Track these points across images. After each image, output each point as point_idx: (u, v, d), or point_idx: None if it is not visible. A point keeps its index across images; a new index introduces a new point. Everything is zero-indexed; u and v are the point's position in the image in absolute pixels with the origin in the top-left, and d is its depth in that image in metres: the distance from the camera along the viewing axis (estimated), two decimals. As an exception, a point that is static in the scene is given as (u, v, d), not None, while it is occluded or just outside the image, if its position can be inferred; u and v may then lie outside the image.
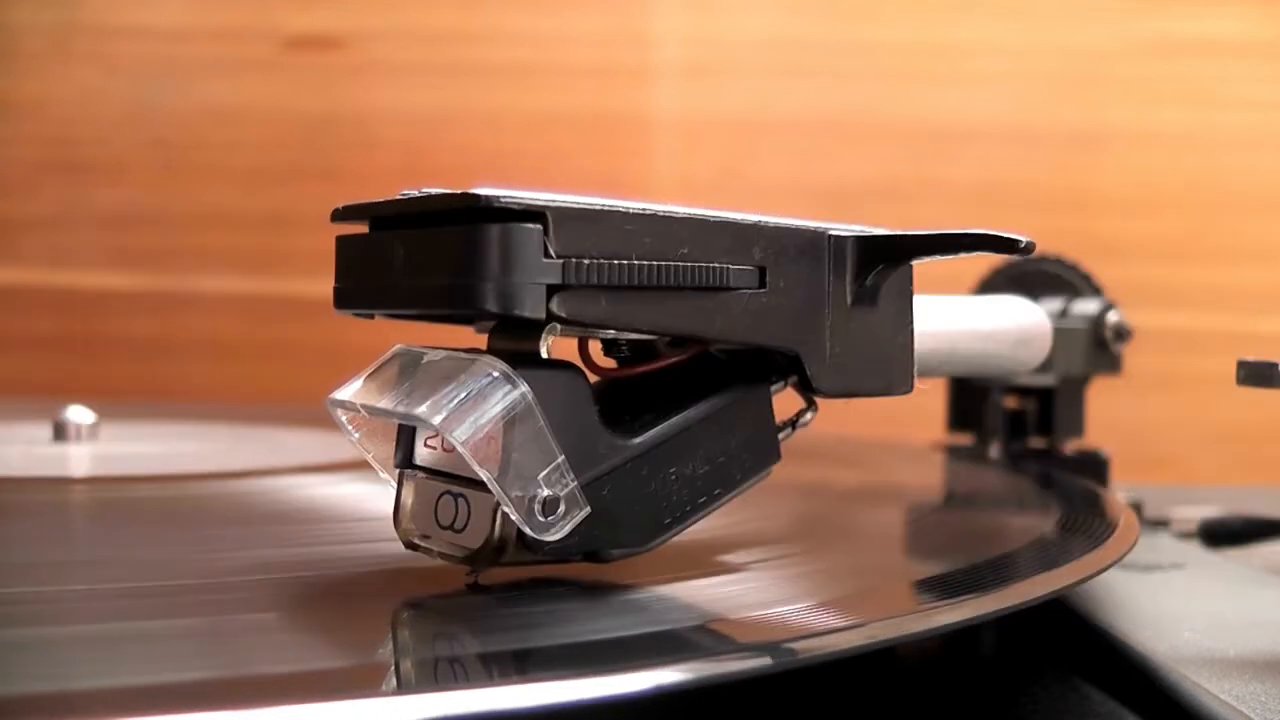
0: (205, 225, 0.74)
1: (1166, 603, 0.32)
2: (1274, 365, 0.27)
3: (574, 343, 0.25)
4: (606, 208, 0.23)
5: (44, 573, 0.26)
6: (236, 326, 0.74)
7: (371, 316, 0.25)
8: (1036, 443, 0.48)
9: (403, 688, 0.19)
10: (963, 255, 0.25)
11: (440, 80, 0.74)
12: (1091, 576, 0.27)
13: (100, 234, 0.74)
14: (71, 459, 0.43)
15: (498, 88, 0.74)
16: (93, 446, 0.45)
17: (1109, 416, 0.50)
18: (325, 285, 0.25)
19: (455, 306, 0.22)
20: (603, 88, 0.73)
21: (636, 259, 0.23)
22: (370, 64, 0.74)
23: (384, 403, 0.23)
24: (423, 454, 0.25)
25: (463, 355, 0.23)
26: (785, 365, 0.26)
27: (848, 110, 0.73)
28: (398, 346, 0.25)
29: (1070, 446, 0.48)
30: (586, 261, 0.22)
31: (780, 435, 0.26)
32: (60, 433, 0.45)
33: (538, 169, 0.72)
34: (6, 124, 0.75)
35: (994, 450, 0.49)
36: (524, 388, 0.22)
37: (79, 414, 0.45)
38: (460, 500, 0.23)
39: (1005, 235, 0.25)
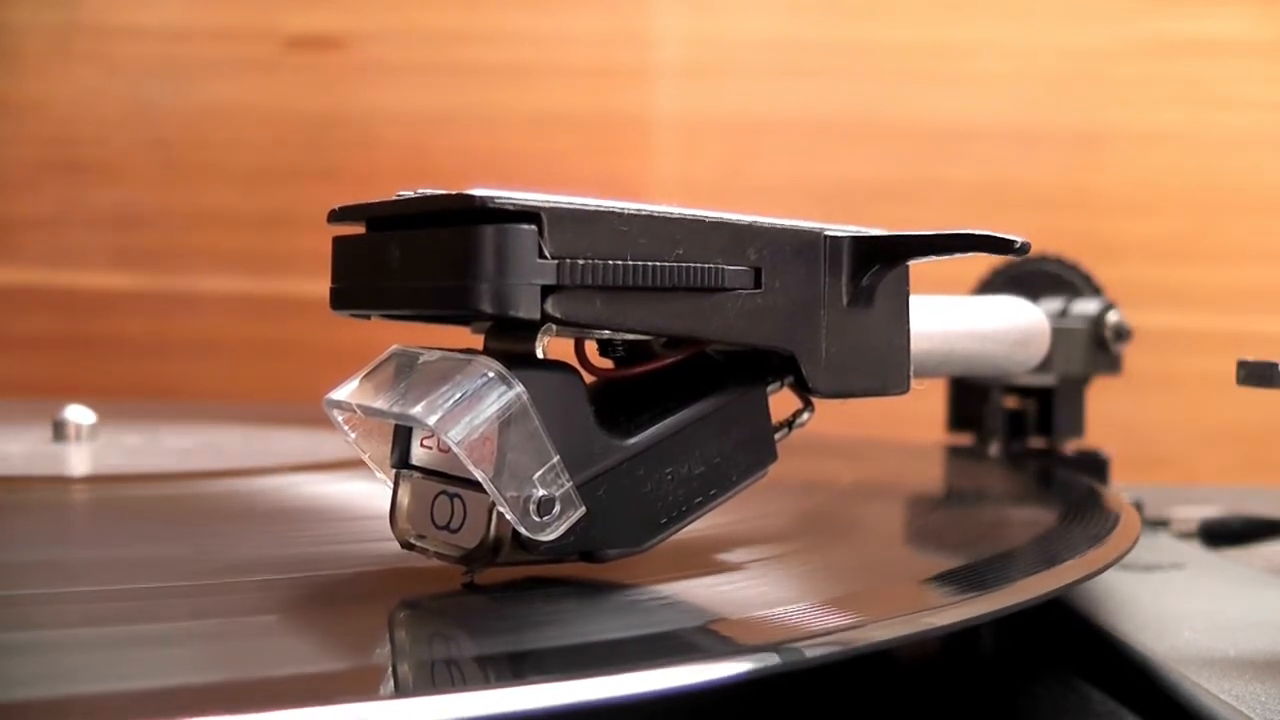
0: (205, 225, 0.74)
1: (1166, 603, 0.32)
2: (1274, 365, 0.27)
3: (570, 344, 0.25)
4: (601, 208, 0.23)
5: (42, 573, 0.26)
6: (236, 326, 0.74)
7: (368, 317, 0.25)
8: (1036, 443, 0.48)
9: (400, 691, 0.19)
10: (959, 256, 0.25)
11: (440, 80, 0.74)
12: (1095, 573, 0.27)
13: (100, 234, 0.74)
14: (71, 459, 0.43)
15: (498, 88, 0.74)
16: (93, 446, 0.45)
17: (1109, 416, 0.50)
18: (325, 285, 0.25)
19: (451, 307, 0.22)
20: (603, 88, 0.73)
21: (631, 259, 0.23)
22: (370, 64, 0.74)
23: (380, 403, 0.23)
24: (419, 454, 0.25)
25: (458, 356, 0.23)
26: (781, 366, 0.25)
27: (848, 110, 0.73)
28: (394, 347, 0.25)
29: (1070, 446, 0.48)
30: (581, 262, 0.22)
31: (777, 436, 0.26)
32: (60, 433, 0.45)
33: (538, 169, 0.72)
34: (6, 124, 0.75)
35: (994, 450, 0.49)
36: (519, 388, 0.22)
37: (79, 414, 0.45)
38: (456, 500, 0.23)
39: (1000, 236, 0.25)
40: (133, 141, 0.75)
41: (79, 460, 0.43)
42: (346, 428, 0.25)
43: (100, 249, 0.74)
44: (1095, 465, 0.47)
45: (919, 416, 0.51)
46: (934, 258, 0.25)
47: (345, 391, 0.24)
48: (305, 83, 0.74)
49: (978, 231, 0.25)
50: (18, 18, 0.75)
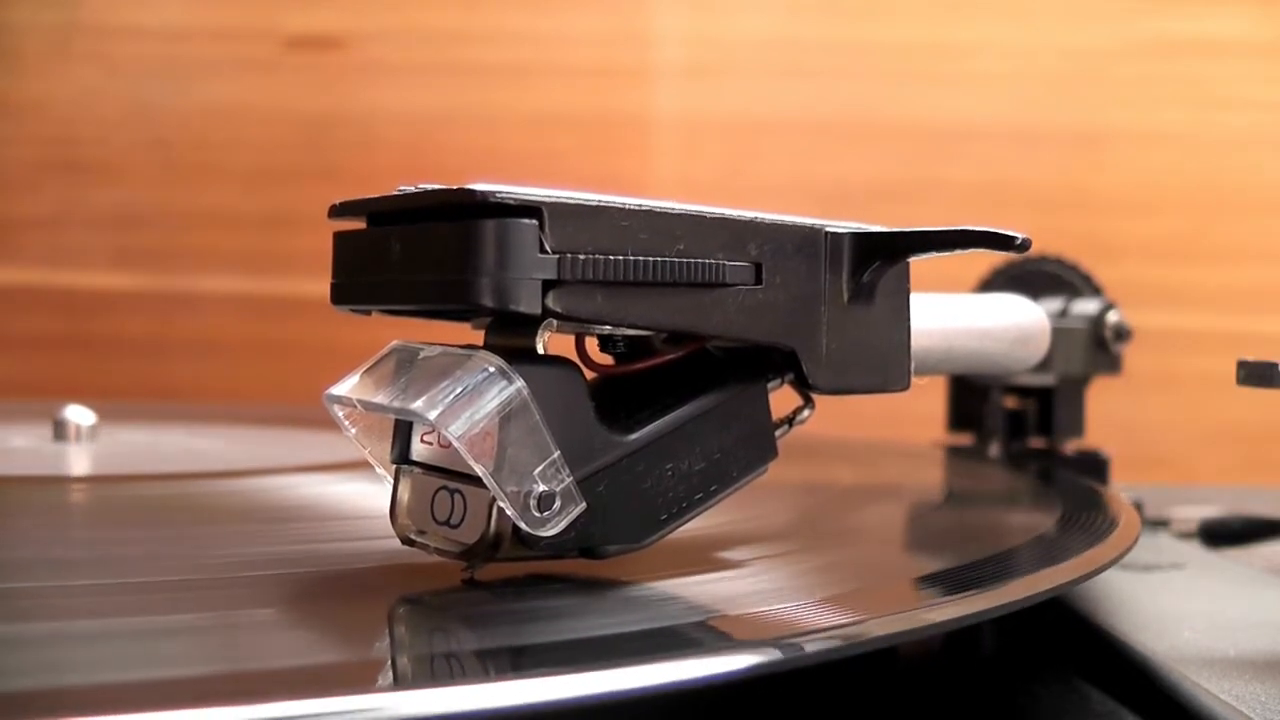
0: (205, 225, 0.74)
1: (1166, 603, 0.32)
2: (1274, 365, 0.27)
3: (571, 339, 0.25)
4: (602, 203, 0.23)
5: (43, 570, 0.26)
6: (236, 326, 0.74)
7: (368, 313, 0.25)
8: (1036, 443, 0.48)
9: (399, 684, 0.19)
10: (959, 252, 0.25)
11: (440, 80, 0.74)
12: (1094, 573, 0.27)
13: (100, 234, 0.74)
14: (71, 459, 0.43)
15: (498, 88, 0.74)
16: (93, 446, 0.45)
17: (1109, 416, 0.50)
18: (325, 285, 0.25)
19: (451, 302, 0.22)
20: (603, 88, 0.74)
21: (632, 254, 0.23)
22: (370, 64, 0.74)
23: (380, 398, 0.23)
24: (419, 449, 0.25)
25: (459, 351, 0.23)
26: (782, 362, 0.25)
27: (848, 110, 0.73)
28: (395, 342, 0.25)
29: (1070, 446, 0.48)
30: (582, 257, 0.22)
31: (777, 432, 0.26)
32: (60, 433, 0.45)
33: (538, 169, 0.72)
34: (6, 124, 0.75)
35: (994, 450, 0.49)
36: (520, 383, 0.22)
37: (79, 414, 0.45)
38: (456, 496, 0.23)
39: (1000, 232, 0.25)
40: (133, 141, 0.75)
41: (79, 460, 0.43)
42: (347, 423, 0.25)
43: (100, 249, 0.74)
44: (1095, 465, 0.47)
45: (919, 416, 0.51)
46: (934, 254, 0.25)
47: (346, 386, 0.24)
48: (305, 83, 0.74)
49: (978, 228, 0.25)
50: (18, 18, 0.75)
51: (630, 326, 0.24)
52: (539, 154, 0.73)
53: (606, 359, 0.26)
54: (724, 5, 0.75)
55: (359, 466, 0.33)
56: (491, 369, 0.22)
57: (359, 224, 0.25)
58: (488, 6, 0.74)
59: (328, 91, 0.74)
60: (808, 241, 0.25)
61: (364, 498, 0.33)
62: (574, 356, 0.24)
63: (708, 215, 0.24)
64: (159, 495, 0.36)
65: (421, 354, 0.24)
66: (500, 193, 0.22)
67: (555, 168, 0.72)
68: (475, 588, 0.23)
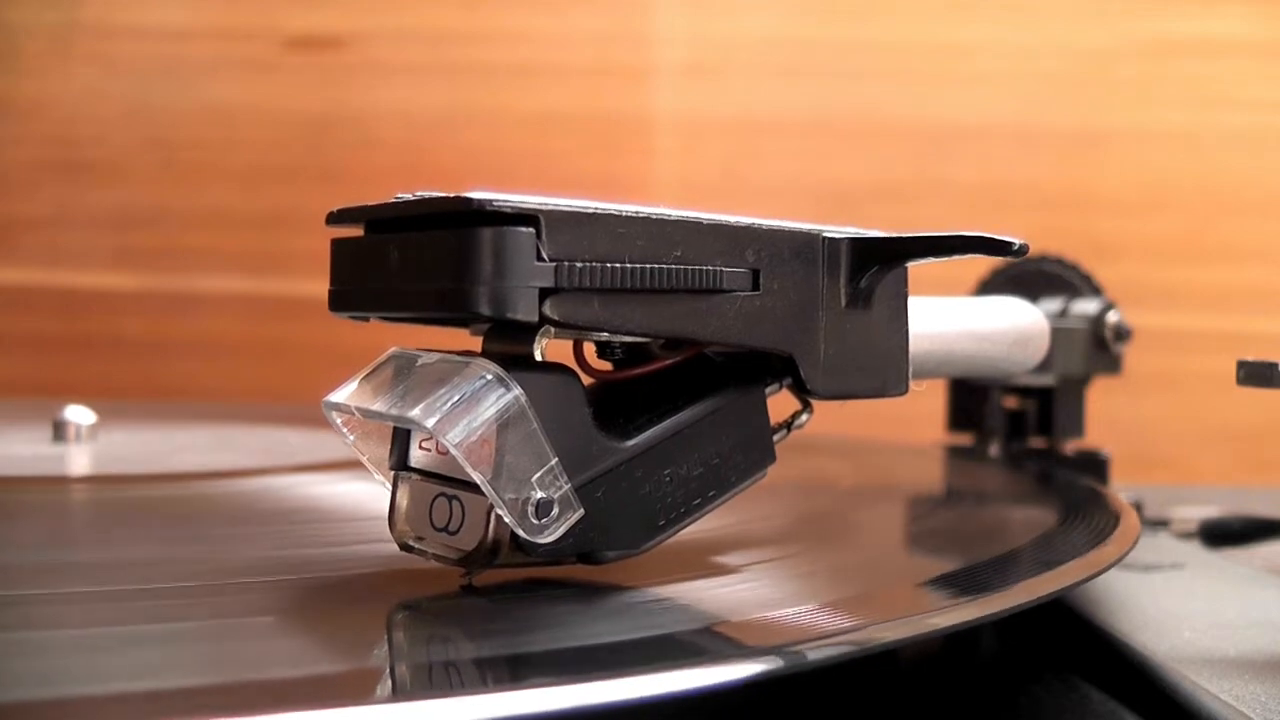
0: (205, 225, 0.74)
1: (1166, 603, 0.32)
2: (1274, 365, 0.27)
3: (569, 345, 0.25)
4: (599, 211, 0.23)
5: (42, 573, 0.26)
6: (236, 326, 0.74)
7: (367, 319, 0.25)
8: (1036, 443, 0.48)
9: (398, 693, 0.19)
10: (957, 257, 0.25)
11: (440, 80, 0.74)
12: (1093, 576, 0.27)
13: (100, 234, 0.74)
14: (71, 459, 0.43)
15: (498, 88, 0.74)
16: (93, 446, 0.45)
17: (1109, 416, 0.50)
18: (325, 286, 0.25)
19: (448, 310, 0.22)
20: (603, 88, 0.73)
21: (629, 262, 0.23)
22: (370, 64, 0.74)
23: (378, 405, 0.23)
24: (418, 456, 0.25)
25: (457, 358, 0.23)
26: (780, 367, 0.26)
27: (848, 110, 0.73)
28: (393, 349, 0.25)
29: (1070, 446, 0.48)
30: (579, 264, 0.22)
31: (775, 437, 0.26)
32: (60, 433, 0.45)
33: (538, 169, 0.72)
34: (6, 124, 0.75)
35: (994, 450, 0.49)
36: (517, 390, 0.22)
37: (79, 414, 0.45)
38: (455, 502, 0.23)
39: (998, 237, 0.25)
40: (133, 141, 0.75)
41: (79, 460, 0.43)
42: (345, 430, 0.25)
43: (100, 249, 0.74)
44: (1095, 465, 0.47)
45: (919, 416, 0.51)
46: (932, 259, 0.25)
47: (344, 394, 0.24)
48: (305, 83, 0.74)
49: (975, 233, 0.25)
50: (18, 18, 0.75)
51: (628, 333, 0.24)
52: (539, 154, 0.73)
53: (604, 365, 0.26)
54: (724, 5, 0.74)
55: (358, 467, 0.33)
56: (489, 376, 0.22)
57: (357, 230, 0.25)
58: (488, 6, 0.74)
59: (328, 91, 0.74)
60: (805, 247, 0.25)
61: (363, 500, 0.33)
62: (572, 362, 0.24)
63: (705, 221, 0.24)
64: (159, 496, 0.36)
65: (419, 361, 0.24)
66: (497, 201, 0.22)
67: (555, 168, 0.72)
68: (473, 594, 0.23)
